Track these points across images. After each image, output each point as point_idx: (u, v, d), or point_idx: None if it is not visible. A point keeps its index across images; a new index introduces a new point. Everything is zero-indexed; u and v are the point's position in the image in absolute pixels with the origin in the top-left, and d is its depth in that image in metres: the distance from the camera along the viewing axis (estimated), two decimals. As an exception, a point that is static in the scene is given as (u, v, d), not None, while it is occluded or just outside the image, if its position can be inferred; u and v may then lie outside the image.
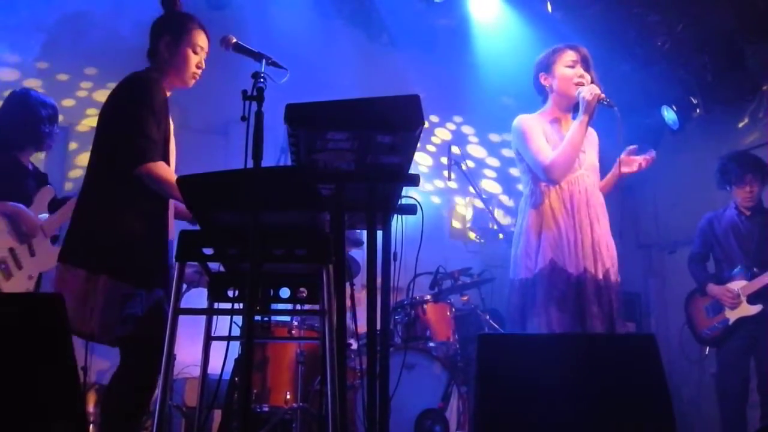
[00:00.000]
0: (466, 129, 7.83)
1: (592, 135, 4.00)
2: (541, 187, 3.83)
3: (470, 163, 7.16)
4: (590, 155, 3.91)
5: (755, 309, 4.81)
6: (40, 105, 4.41)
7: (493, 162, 7.84)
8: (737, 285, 4.89)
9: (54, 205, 4.39)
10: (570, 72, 3.83)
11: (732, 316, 4.88)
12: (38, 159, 4.88)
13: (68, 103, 6.10)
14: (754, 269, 4.86)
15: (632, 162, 3.86)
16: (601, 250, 3.73)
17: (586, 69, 3.85)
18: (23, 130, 4.35)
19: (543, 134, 3.83)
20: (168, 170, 3.08)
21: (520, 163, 3.94)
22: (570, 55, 3.86)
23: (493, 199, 7.58)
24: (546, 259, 3.69)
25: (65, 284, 3.01)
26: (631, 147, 3.85)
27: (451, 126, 7.76)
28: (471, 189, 6.48)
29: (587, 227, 3.74)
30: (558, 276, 3.66)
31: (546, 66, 3.92)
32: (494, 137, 7.86)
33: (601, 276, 3.69)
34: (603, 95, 3.71)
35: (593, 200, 3.80)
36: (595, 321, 3.61)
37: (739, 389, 4.82)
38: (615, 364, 2.69)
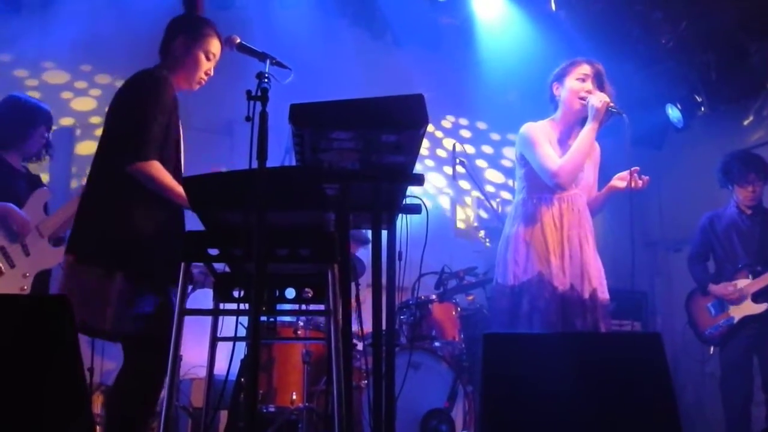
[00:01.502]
0: (471, 127, 7.82)
1: (595, 151, 4.04)
2: (533, 198, 3.90)
3: (475, 162, 7.15)
4: (588, 174, 3.97)
5: (761, 307, 4.79)
6: (29, 107, 4.46)
7: (499, 160, 7.83)
8: (741, 283, 4.87)
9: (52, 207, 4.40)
10: (579, 85, 3.88)
11: (737, 314, 4.86)
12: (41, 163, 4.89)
13: (75, 104, 6.12)
14: (758, 268, 4.84)
15: (625, 179, 3.87)
16: (590, 270, 3.79)
17: (600, 84, 3.88)
18: (8, 130, 4.38)
19: (549, 142, 3.88)
20: (161, 170, 3.06)
21: (521, 169, 4.00)
22: (583, 69, 3.91)
23: (499, 197, 7.58)
24: (534, 272, 3.78)
25: (78, 282, 3.00)
26: (635, 168, 3.86)
27: (456, 124, 7.75)
28: (475, 187, 6.47)
29: (577, 246, 3.81)
30: (544, 288, 3.74)
31: (559, 76, 3.98)
32: (499, 135, 7.86)
33: (587, 295, 3.76)
34: (611, 103, 3.74)
35: (584, 221, 3.88)
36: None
37: (743, 389, 4.80)
38: (621, 363, 2.69)
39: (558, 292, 3.72)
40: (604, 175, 4.08)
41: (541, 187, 3.88)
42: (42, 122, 4.50)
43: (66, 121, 6.02)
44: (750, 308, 4.82)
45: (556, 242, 3.79)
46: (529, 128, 3.92)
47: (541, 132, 3.90)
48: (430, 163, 7.48)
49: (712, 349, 5.23)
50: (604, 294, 3.82)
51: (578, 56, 4.01)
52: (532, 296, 3.75)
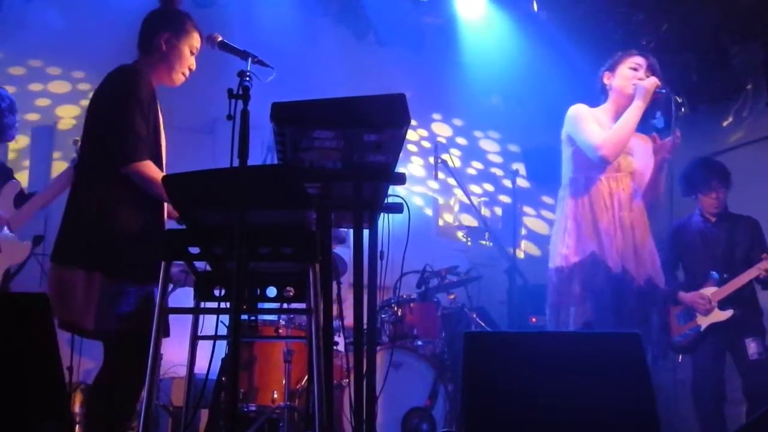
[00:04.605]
0: (454, 127, 7.84)
1: (648, 146, 4.00)
2: (581, 178, 3.85)
3: (457, 162, 7.17)
4: (638, 161, 3.92)
5: (726, 315, 4.77)
6: (5, 95, 4.39)
7: (481, 160, 7.84)
8: (708, 291, 4.86)
9: (20, 200, 4.36)
10: (632, 73, 3.87)
11: (704, 322, 4.85)
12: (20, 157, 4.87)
13: (54, 102, 6.09)
14: (724, 275, 4.83)
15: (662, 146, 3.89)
16: (644, 255, 3.74)
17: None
18: None
19: (597, 123, 3.83)
20: (155, 170, 3.07)
21: (568, 149, 3.93)
22: (636, 59, 3.91)
23: (481, 196, 7.60)
24: (586, 251, 3.71)
25: (60, 283, 3.00)
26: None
27: (438, 124, 7.77)
28: (458, 187, 6.48)
29: (629, 228, 3.75)
30: (597, 269, 3.67)
31: (611, 66, 3.95)
32: (481, 135, 7.87)
33: (643, 280, 3.70)
34: (660, 84, 3.76)
35: (635, 205, 3.82)
36: (630, 323, 3.60)
37: (714, 392, 4.80)
38: (600, 361, 2.71)
39: (611, 274, 3.64)
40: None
41: (590, 166, 3.82)
42: (14, 110, 4.45)
43: (47, 119, 6.00)
44: (716, 316, 4.80)
45: (607, 221, 3.72)
46: (577, 108, 3.88)
47: (588, 112, 3.87)
48: (413, 162, 7.49)
49: (680, 357, 5.23)
50: (660, 282, 3.78)
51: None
52: (585, 278, 3.67)
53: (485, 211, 7.41)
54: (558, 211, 3.96)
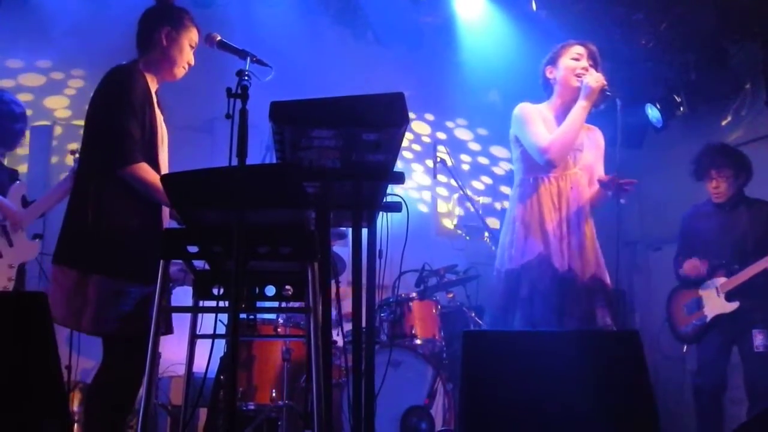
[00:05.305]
0: (452, 126, 7.84)
1: (598, 138, 4.00)
2: (530, 179, 3.83)
3: (456, 160, 7.17)
4: (587, 156, 3.90)
5: (731, 306, 4.76)
6: (12, 104, 4.45)
7: (479, 159, 7.84)
8: (717, 281, 4.86)
9: (24, 203, 4.42)
10: (574, 63, 3.84)
11: (710, 313, 4.84)
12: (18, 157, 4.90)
13: (52, 101, 6.08)
14: (735, 266, 4.83)
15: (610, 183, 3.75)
16: (587, 252, 3.73)
17: (594, 65, 3.85)
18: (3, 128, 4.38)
19: (543, 122, 3.81)
20: (150, 171, 3.07)
21: (515, 150, 3.92)
22: (577, 49, 3.87)
23: (479, 196, 7.59)
24: (534, 253, 3.70)
25: (58, 284, 3.02)
26: (613, 177, 3.74)
27: (436, 123, 7.77)
28: (456, 185, 6.48)
29: (575, 226, 3.74)
30: (544, 270, 3.66)
31: (552, 59, 3.93)
32: (480, 134, 7.87)
33: (587, 278, 3.69)
34: (606, 85, 3.72)
35: (584, 201, 3.80)
36: (571, 320, 3.61)
37: (715, 385, 4.79)
38: (599, 360, 2.71)
39: (558, 274, 3.64)
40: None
41: (538, 166, 3.79)
42: (25, 118, 4.54)
43: (43, 120, 5.98)
44: (722, 307, 4.80)
45: (554, 223, 3.71)
46: (522, 108, 3.85)
47: (534, 111, 3.83)
48: (411, 160, 7.49)
49: (685, 347, 5.23)
50: (605, 278, 3.76)
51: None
52: (533, 278, 3.66)
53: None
54: (508, 212, 3.94)
